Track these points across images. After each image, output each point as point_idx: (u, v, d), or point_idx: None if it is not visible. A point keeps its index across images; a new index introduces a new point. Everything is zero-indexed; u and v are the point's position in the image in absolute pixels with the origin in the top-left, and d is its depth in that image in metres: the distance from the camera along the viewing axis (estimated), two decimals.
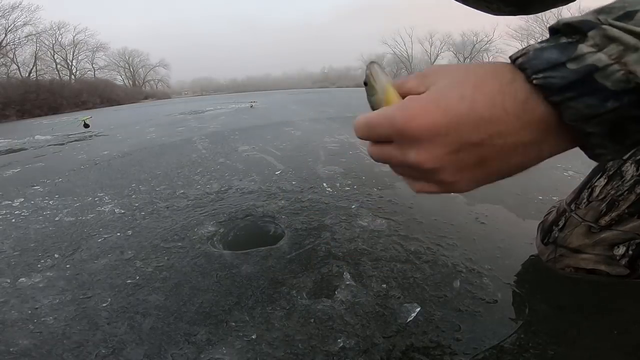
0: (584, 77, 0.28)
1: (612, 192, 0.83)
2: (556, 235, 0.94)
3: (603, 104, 0.28)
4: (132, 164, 2.71)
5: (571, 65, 0.28)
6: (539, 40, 0.32)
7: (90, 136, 5.05)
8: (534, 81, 0.30)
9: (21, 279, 1.09)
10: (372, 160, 0.38)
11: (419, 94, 0.34)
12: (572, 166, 1.78)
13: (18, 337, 0.83)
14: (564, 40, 0.30)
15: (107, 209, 1.68)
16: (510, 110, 0.31)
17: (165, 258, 1.15)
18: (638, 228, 0.78)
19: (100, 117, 8.96)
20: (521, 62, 0.31)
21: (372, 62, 0.39)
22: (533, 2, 0.74)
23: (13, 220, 1.64)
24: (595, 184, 0.87)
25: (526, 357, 0.67)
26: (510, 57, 0.33)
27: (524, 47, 0.32)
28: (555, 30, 0.31)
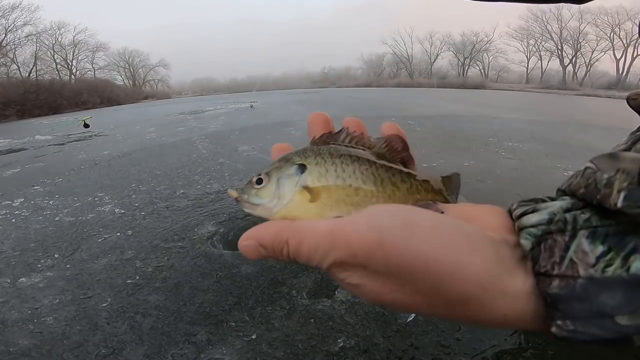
0: (621, 339, 0.18)
1: None
2: None
3: (607, 349, 0.21)
4: (132, 164, 2.70)
5: (622, 320, 0.18)
6: (596, 235, 0.19)
7: (90, 136, 5.05)
8: (553, 329, 0.19)
9: (21, 279, 1.09)
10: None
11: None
12: (572, 166, 1.78)
13: (18, 337, 0.83)
14: None
15: (107, 209, 1.68)
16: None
17: (165, 258, 1.15)
18: None
19: (100, 117, 8.96)
20: (555, 295, 0.19)
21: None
22: None
23: (13, 220, 1.64)
24: None
25: (526, 357, 0.67)
26: (534, 259, 0.20)
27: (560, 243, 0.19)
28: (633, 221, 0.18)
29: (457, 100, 9.36)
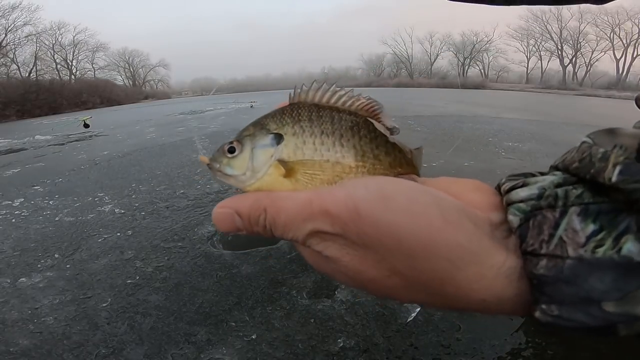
0: (606, 327, 0.17)
1: None
2: None
3: (590, 337, 0.19)
4: (132, 164, 2.70)
5: (609, 307, 0.17)
6: (588, 200, 0.18)
7: (90, 136, 5.04)
8: (537, 314, 0.18)
9: (21, 279, 1.09)
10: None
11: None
12: None
13: (18, 337, 0.83)
14: (635, 254, 0.16)
15: (107, 209, 1.68)
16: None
17: (165, 258, 1.15)
18: None
19: (100, 117, 8.96)
20: (542, 276, 0.18)
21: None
22: None
23: (13, 220, 1.64)
24: None
25: (526, 357, 0.67)
26: (521, 237, 0.19)
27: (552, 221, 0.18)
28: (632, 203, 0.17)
29: (457, 100, 9.36)
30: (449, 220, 0.19)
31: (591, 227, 0.18)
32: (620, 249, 0.17)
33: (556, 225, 0.18)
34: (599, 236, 0.17)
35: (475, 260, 0.19)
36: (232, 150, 0.24)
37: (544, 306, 0.18)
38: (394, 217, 0.19)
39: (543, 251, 0.18)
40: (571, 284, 0.17)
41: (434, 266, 0.19)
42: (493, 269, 0.19)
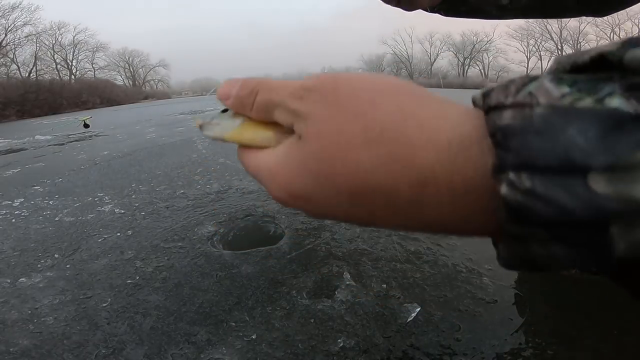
0: (595, 224, 0.13)
1: None
2: None
3: (574, 264, 0.15)
4: (132, 164, 2.71)
5: (597, 183, 0.13)
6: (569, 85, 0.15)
7: (90, 136, 5.05)
8: (504, 189, 0.15)
9: (21, 279, 1.09)
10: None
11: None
12: None
13: (18, 337, 0.83)
14: (624, 106, 0.13)
15: (107, 209, 1.68)
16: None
17: (165, 258, 1.15)
18: None
19: (100, 117, 8.96)
20: (506, 126, 0.15)
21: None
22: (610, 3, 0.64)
23: (13, 220, 1.64)
24: None
25: (526, 357, 0.67)
26: (482, 96, 0.17)
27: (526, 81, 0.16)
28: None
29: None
30: (413, 85, 0.21)
31: (567, 89, 0.15)
32: (603, 104, 0.14)
33: (524, 85, 0.16)
34: (577, 95, 0.14)
35: (439, 98, 0.20)
36: (224, 111, 0.32)
37: (512, 175, 0.14)
38: (362, 76, 0.22)
39: (509, 101, 0.15)
40: (544, 135, 0.14)
41: (396, 100, 0.19)
42: (459, 108, 0.19)
